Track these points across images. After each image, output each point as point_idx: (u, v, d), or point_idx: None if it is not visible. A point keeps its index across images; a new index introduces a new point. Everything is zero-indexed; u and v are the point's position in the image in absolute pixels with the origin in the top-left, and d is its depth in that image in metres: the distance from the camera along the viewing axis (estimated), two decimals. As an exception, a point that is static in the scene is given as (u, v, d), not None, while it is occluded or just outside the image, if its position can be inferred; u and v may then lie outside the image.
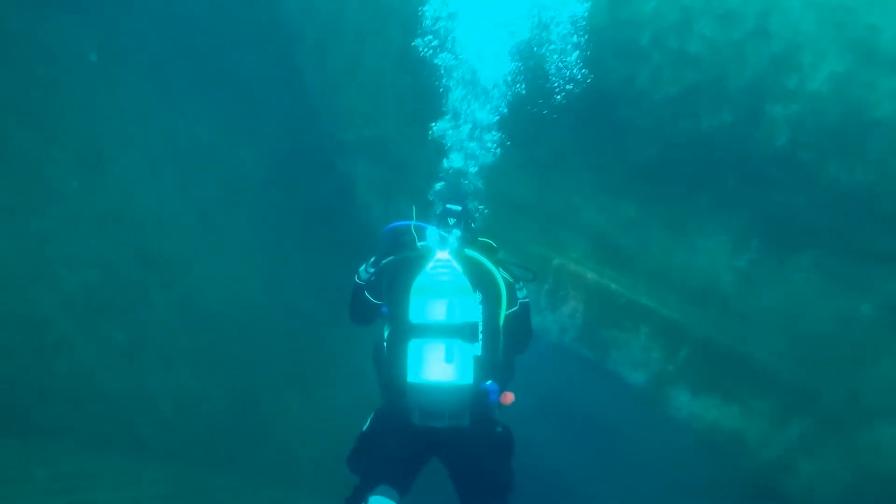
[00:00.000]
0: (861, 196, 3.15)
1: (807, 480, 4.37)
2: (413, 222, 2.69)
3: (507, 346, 2.54)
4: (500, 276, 2.48)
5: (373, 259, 2.69)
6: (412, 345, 2.29)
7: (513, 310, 2.54)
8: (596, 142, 4.14)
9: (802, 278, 3.75)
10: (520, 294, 2.64)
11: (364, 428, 2.49)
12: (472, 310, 2.34)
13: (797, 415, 4.13)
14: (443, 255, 2.44)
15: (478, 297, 2.40)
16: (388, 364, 2.39)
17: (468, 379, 2.25)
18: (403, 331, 2.34)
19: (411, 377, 2.26)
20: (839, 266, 3.55)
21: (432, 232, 2.61)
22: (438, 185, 3.08)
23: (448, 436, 2.33)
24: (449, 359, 2.25)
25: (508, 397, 2.46)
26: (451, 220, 2.71)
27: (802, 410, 4.09)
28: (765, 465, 4.52)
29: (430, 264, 2.40)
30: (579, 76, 3.76)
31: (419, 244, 2.60)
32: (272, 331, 5.41)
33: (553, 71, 3.89)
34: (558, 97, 3.93)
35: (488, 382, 2.34)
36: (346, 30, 5.25)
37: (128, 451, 4.46)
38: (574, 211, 4.50)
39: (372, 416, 2.50)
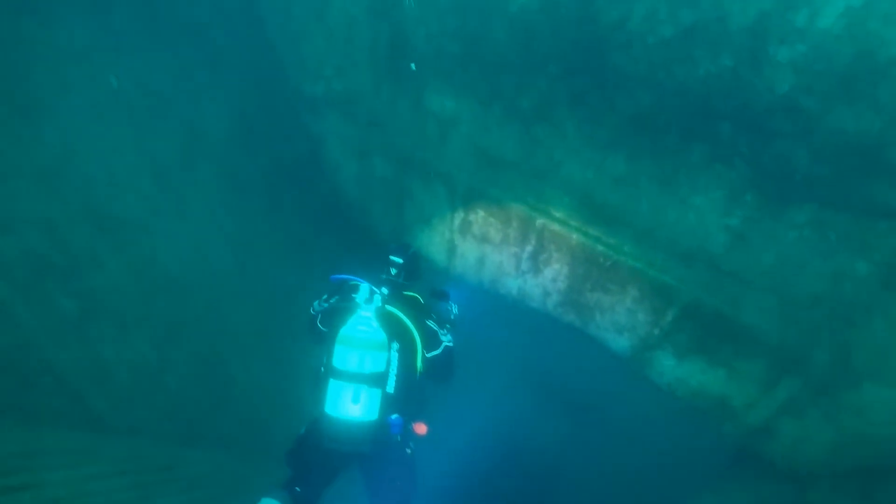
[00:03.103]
0: (867, 145, 2.95)
1: (789, 443, 4.33)
2: (352, 277, 3.21)
3: (426, 383, 3.27)
4: (416, 329, 3.13)
5: (325, 296, 3.36)
6: (331, 384, 2.89)
7: (435, 353, 3.22)
8: (584, 91, 3.86)
9: (797, 235, 3.58)
10: (444, 339, 3.28)
11: (302, 431, 3.12)
12: (381, 361, 2.91)
13: (785, 377, 4.03)
14: (366, 312, 2.98)
15: (395, 346, 3.00)
16: (317, 390, 2.99)
17: (373, 416, 2.87)
18: (328, 370, 2.93)
19: (328, 409, 2.88)
20: (837, 222, 3.38)
21: (364, 289, 3.14)
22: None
23: (355, 455, 3.00)
24: (356, 400, 2.85)
25: (421, 428, 3.18)
26: (393, 271, 3.47)
27: (791, 373, 3.99)
28: (749, 430, 4.45)
29: (353, 319, 2.96)
30: None
31: (353, 296, 3.16)
32: (239, 296, 5.10)
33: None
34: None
35: (394, 416, 2.99)
36: (313, -30, 4.81)
37: (81, 427, 4.15)
38: (559, 166, 4.25)
39: (307, 424, 3.11)
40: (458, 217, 4.96)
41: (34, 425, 3.85)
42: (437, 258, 5.38)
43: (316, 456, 2.99)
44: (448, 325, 3.43)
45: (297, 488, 2.96)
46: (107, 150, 4.11)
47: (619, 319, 4.67)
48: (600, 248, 4.39)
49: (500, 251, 4.92)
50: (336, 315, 3.15)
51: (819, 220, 3.45)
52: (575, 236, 4.43)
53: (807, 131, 3.12)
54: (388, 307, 3.12)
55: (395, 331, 3.05)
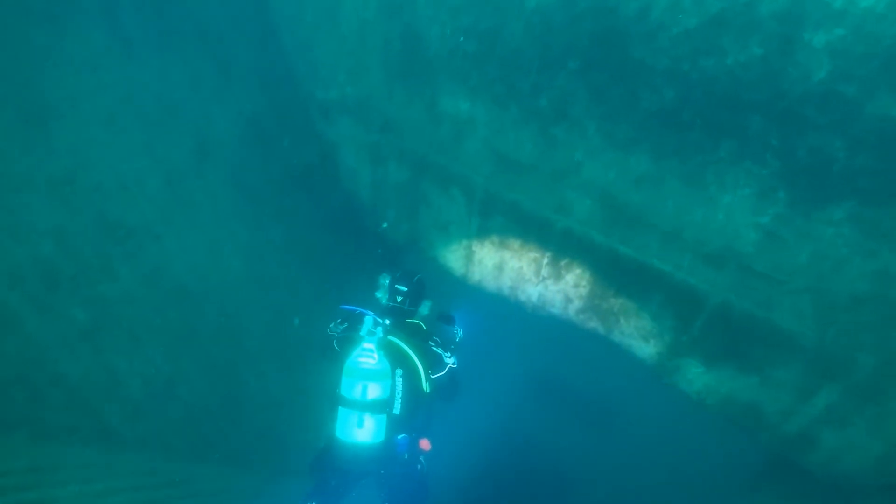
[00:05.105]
0: (913, 133, 2.77)
1: (830, 453, 4.09)
2: (358, 308, 3.44)
3: (434, 402, 3.53)
4: (417, 356, 3.37)
5: (339, 319, 3.63)
6: (340, 411, 3.18)
7: (439, 374, 3.49)
8: (604, 87, 3.72)
9: (835, 233, 3.38)
10: (448, 361, 3.54)
11: (322, 445, 3.38)
12: (385, 389, 3.17)
13: (825, 383, 3.81)
14: (369, 344, 3.21)
15: (399, 372, 3.28)
16: (330, 415, 3.28)
17: (379, 438, 3.14)
18: (337, 398, 3.22)
19: (338, 433, 3.18)
20: (878, 217, 3.18)
21: (368, 321, 3.36)
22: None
23: (367, 473, 3.33)
24: (360, 426, 3.12)
25: (425, 444, 3.47)
26: (399, 298, 3.68)
27: (831, 378, 3.77)
28: (786, 439, 4.22)
29: (357, 351, 3.21)
30: None
31: (359, 326, 3.38)
32: (253, 306, 5.00)
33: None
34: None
35: (400, 437, 3.29)
36: (324, -25, 4.76)
37: (94, 441, 4.06)
38: (579, 167, 4.10)
39: (326, 439, 3.33)
40: (476, 222, 4.82)
41: (45, 440, 3.77)
42: (455, 265, 5.25)
43: (332, 472, 3.29)
44: (452, 347, 3.66)
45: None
46: (118, 157, 4.06)
47: (645, 325, 4.48)
48: (624, 250, 4.22)
49: (519, 256, 4.77)
50: (343, 345, 3.46)
51: (859, 216, 3.26)
52: (598, 239, 4.27)
53: (845, 121, 2.95)
54: (391, 337, 3.39)
55: (397, 359, 3.31)
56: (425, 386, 3.42)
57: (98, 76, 3.87)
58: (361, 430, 3.12)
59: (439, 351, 3.55)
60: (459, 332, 3.96)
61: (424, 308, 3.92)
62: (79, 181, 3.88)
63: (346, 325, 3.59)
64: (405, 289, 3.75)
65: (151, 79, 4.29)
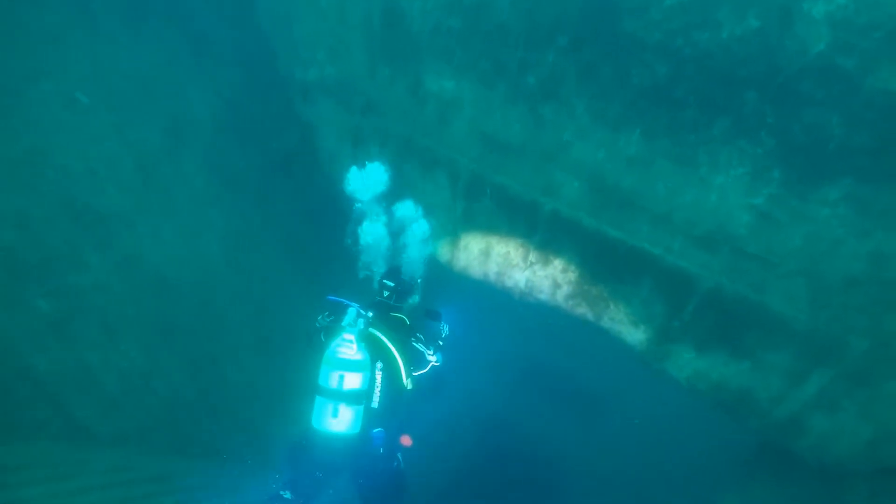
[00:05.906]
0: (914, 108, 2.68)
1: (820, 438, 4.04)
2: (343, 300, 3.40)
3: (416, 398, 3.48)
4: (398, 350, 3.36)
5: (326, 312, 3.62)
6: (317, 400, 3.14)
7: (422, 371, 3.54)
8: (594, 63, 3.58)
9: (829, 213, 3.30)
10: (430, 358, 3.58)
11: (298, 435, 3.29)
12: (362, 380, 3.12)
13: (817, 367, 3.75)
14: (349, 335, 3.17)
15: (380, 365, 3.26)
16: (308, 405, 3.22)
17: (353, 430, 3.10)
18: (314, 387, 3.17)
19: (313, 423, 3.13)
20: (874, 196, 3.10)
21: (351, 313, 3.31)
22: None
23: (341, 466, 3.23)
24: (335, 415, 3.07)
25: (406, 441, 3.42)
26: (385, 293, 3.78)
27: (823, 362, 3.71)
28: (776, 424, 4.17)
29: (337, 341, 3.17)
30: None
31: (342, 317, 3.35)
32: (232, 295, 4.83)
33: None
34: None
35: (376, 431, 3.23)
36: (302, -51, 4.54)
37: (65, 437, 3.89)
38: (568, 148, 3.97)
39: (302, 431, 3.27)
40: (461, 205, 4.68)
41: (11, 437, 3.59)
42: (440, 250, 5.11)
43: (307, 463, 3.23)
44: (438, 343, 3.67)
45: (287, 495, 3.18)
46: (85, 139, 3.85)
47: (635, 310, 4.39)
48: (614, 233, 4.11)
49: (506, 241, 4.64)
50: (329, 336, 3.43)
51: (855, 195, 3.17)
52: (586, 222, 4.15)
53: (843, 95, 2.85)
54: (372, 329, 3.37)
55: (378, 352, 3.31)
56: (406, 382, 3.41)
57: (60, 50, 3.65)
58: (336, 421, 3.08)
59: (421, 348, 3.56)
60: (445, 329, 3.94)
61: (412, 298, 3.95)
62: (41, 163, 3.67)
63: (332, 317, 3.58)
64: (392, 284, 3.79)
65: (121, 56, 4.07)
